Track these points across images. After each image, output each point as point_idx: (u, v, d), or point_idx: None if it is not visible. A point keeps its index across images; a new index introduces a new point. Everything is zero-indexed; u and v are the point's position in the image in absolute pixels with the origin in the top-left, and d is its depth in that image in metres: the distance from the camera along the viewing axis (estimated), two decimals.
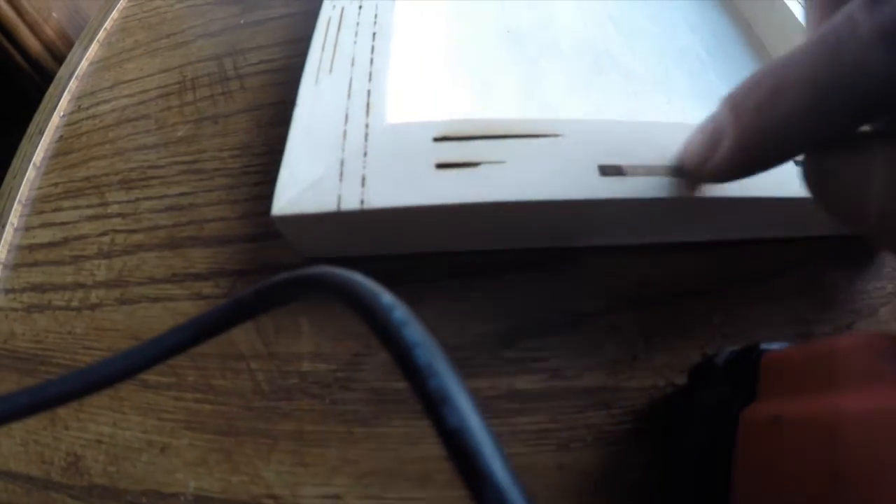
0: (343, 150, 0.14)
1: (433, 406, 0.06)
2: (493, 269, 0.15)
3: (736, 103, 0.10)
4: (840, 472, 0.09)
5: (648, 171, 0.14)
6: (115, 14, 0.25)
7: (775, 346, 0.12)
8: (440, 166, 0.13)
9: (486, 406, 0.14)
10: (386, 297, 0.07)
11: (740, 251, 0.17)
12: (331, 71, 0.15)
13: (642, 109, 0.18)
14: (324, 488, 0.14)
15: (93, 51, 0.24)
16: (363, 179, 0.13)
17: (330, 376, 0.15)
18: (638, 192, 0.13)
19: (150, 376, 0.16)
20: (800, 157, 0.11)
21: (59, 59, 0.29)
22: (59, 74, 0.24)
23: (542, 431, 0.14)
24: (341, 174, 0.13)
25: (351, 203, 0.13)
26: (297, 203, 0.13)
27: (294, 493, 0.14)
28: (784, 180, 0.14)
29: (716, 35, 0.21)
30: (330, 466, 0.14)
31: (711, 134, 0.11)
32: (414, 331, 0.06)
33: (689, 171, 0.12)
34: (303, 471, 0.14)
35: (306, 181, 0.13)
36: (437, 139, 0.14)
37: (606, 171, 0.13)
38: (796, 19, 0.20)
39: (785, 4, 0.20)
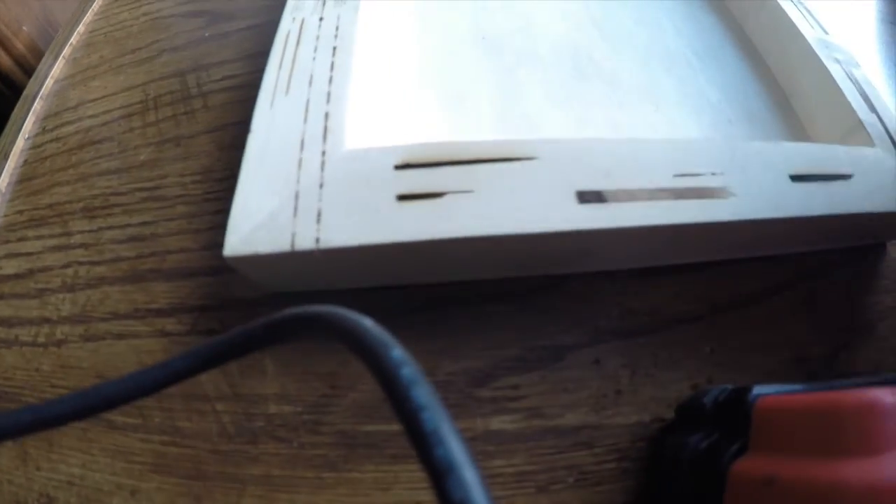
0: (298, 181, 0.12)
1: (438, 477, 0.06)
2: (465, 300, 0.14)
3: None
4: None
5: (631, 195, 0.12)
6: (81, 28, 0.24)
7: (769, 389, 0.11)
8: (402, 197, 0.12)
9: None
10: (396, 351, 0.06)
11: (730, 271, 0.15)
12: (287, 92, 0.14)
13: (628, 120, 0.16)
14: None
15: (58, 68, 0.23)
16: (318, 214, 0.12)
17: (297, 419, 0.14)
18: (620, 220, 0.12)
19: (116, 416, 0.15)
20: None
21: (29, 72, 0.28)
22: (24, 93, 0.22)
23: (521, 474, 0.13)
24: (296, 209, 0.12)
25: (305, 242, 0.11)
26: (248, 242, 0.12)
27: None
28: (781, 199, 0.13)
29: (704, 37, 0.19)
30: None
31: None
32: (422, 392, 0.06)
33: None
34: None
35: (258, 217, 0.12)
36: (398, 167, 0.12)
37: (585, 197, 0.12)
38: (789, 18, 0.18)
39: (777, 3, 0.18)
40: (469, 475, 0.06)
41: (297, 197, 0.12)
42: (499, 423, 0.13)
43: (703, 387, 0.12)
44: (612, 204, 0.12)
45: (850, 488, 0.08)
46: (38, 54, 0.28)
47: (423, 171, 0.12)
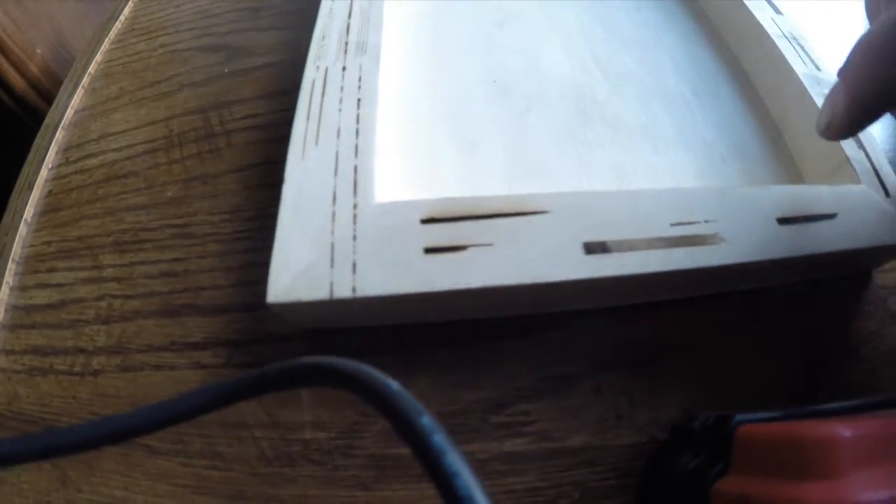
0: (332, 233, 0.14)
1: None
2: (482, 336, 0.16)
3: (843, 73, 0.14)
4: None
5: (632, 245, 0.14)
6: (98, 57, 0.25)
7: (750, 416, 0.13)
8: (429, 251, 0.14)
9: (477, 468, 0.15)
10: (426, 418, 0.07)
11: (721, 303, 0.17)
12: (317, 143, 0.16)
13: (628, 161, 0.19)
14: None
15: (78, 98, 0.24)
16: (354, 266, 0.14)
17: (331, 444, 0.16)
18: (622, 268, 0.14)
19: (156, 443, 0.17)
20: None
21: (45, 96, 0.29)
22: (45, 122, 0.24)
23: (532, 490, 0.15)
24: (332, 260, 0.14)
25: (343, 291, 0.13)
26: (291, 290, 0.14)
27: None
28: (768, 242, 0.15)
29: (702, 74, 0.21)
30: None
31: (830, 102, 0.14)
32: (454, 459, 0.07)
33: (821, 134, 0.15)
34: None
35: (298, 267, 0.14)
36: (424, 221, 0.14)
37: (591, 248, 0.14)
38: (782, 55, 0.20)
39: (773, 41, 0.20)
40: None
41: (332, 248, 0.14)
42: (511, 445, 0.15)
43: (694, 411, 0.15)
44: (614, 253, 0.14)
45: None
46: (52, 77, 0.30)
47: (447, 224, 0.14)
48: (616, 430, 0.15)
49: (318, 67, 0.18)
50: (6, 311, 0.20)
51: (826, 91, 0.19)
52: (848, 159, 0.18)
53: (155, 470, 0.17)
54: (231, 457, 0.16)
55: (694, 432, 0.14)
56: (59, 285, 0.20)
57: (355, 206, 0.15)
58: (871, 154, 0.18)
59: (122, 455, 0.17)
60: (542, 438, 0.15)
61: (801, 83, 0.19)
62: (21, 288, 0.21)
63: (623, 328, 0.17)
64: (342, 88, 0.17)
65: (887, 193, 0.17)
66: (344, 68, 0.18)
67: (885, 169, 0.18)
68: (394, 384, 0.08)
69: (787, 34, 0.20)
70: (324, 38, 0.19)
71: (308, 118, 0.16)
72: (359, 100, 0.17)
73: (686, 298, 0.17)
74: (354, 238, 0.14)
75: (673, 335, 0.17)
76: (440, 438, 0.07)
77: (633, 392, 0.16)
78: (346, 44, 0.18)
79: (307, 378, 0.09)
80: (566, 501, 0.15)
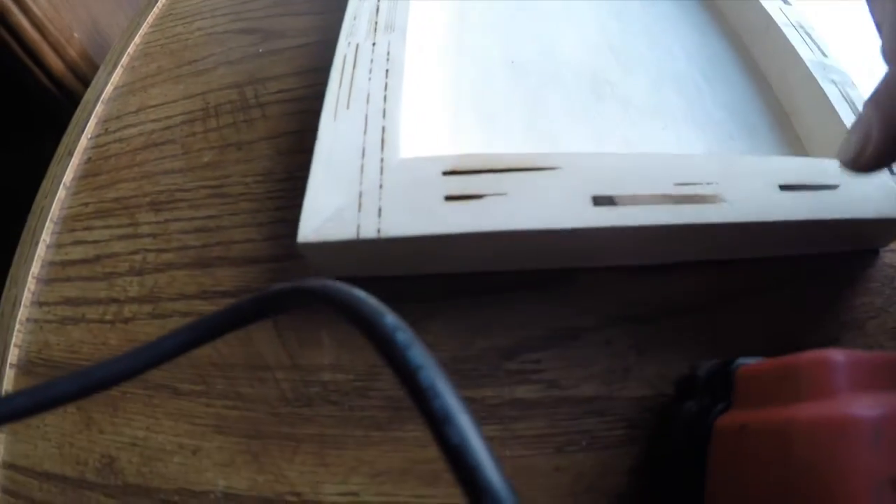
0: (361, 183, 0.16)
1: (437, 424, 0.06)
2: (497, 288, 0.18)
3: (878, 102, 0.13)
4: (790, 475, 0.11)
5: (637, 200, 0.16)
6: (137, 39, 0.28)
7: (752, 360, 0.14)
8: (449, 198, 0.16)
9: (489, 413, 0.16)
10: (389, 317, 0.07)
11: (730, 269, 0.19)
12: (348, 107, 0.18)
13: (638, 137, 0.20)
14: (342, 486, 0.16)
15: (117, 75, 0.27)
16: (379, 210, 0.16)
17: (349, 385, 0.17)
18: (627, 220, 0.16)
19: (181, 384, 0.19)
20: None
21: (82, 78, 0.32)
22: (85, 98, 0.27)
23: (541, 436, 0.16)
24: (360, 205, 0.16)
25: (369, 232, 0.15)
26: (320, 231, 0.16)
27: (315, 490, 0.16)
28: (769, 205, 0.17)
29: (712, 60, 0.23)
30: (348, 466, 0.16)
31: (862, 132, 0.14)
32: (417, 353, 0.07)
33: (846, 167, 0.15)
34: (323, 470, 0.16)
35: (328, 212, 0.16)
36: (445, 173, 0.16)
37: (599, 201, 0.16)
38: (790, 43, 0.22)
39: (780, 30, 0.22)
40: (465, 421, 0.06)
41: (360, 196, 0.16)
42: (522, 391, 0.17)
43: (698, 361, 0.16)
44: (620, 207, 0.16)
45: (798, 423, 0.11)
46: (89, 61, 0.33)
47: (467, 177, 0.16)
48: (623, 382, 0.17)
49: (349, 43, 0.20)
50: (42, 266, 0.22)
51: (834, 77, 0.21)
52: None
53: (177, 410, 0.18)
54: (252, 397, 0.18)
55: (698, 379, 0.15)
56: (95, 242, 0.22)
57: (382, 161, 0.17)
58: None
59: (147, 396, 0.19)
60: (551, 386, 0.17)
61: (807, 69, 0.21)
62: (58, 245, 0.23)
63: (635, 286, 0.18)
64: (372, 61, 0.19)
65: (892, 171, 0.19)
66: (374, 44, 0.20)
67: None
68: (361, 293, 0.08)
69: (794, 23, 0.22)
70: (355, 18, 0.21)
71: (340, 85, 0.19)
72: (387, 70, 0.19)
73: (694, 263, 0.19)
74: (381, 187, 0.16)
75: (681, 296, 0.18)
76: (405, 335, 0.07)
77: (642, 347, 0.17)
78: (376, 23, 0.21)
79: (284, 303, 0.09)
80: (574, 449, 0.16)
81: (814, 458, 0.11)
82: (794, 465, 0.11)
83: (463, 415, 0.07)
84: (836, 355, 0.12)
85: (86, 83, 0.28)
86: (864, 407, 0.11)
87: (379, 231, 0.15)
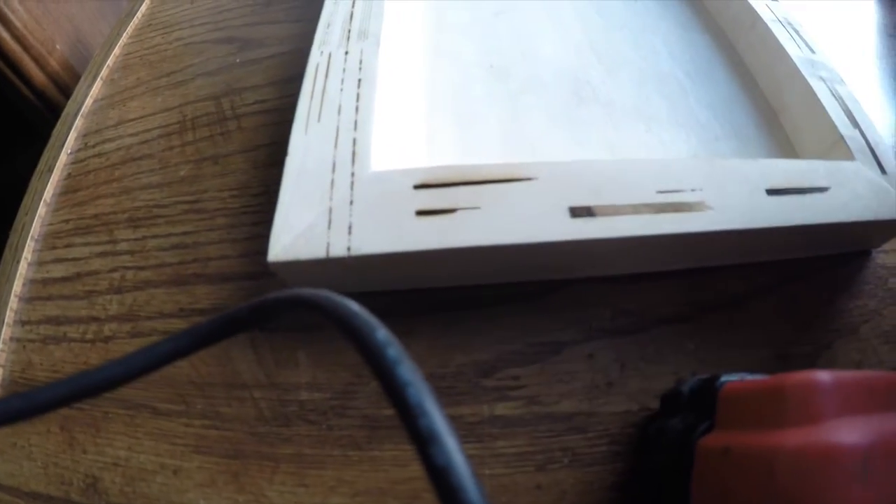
0: (331, 198, 0.16)
1: (423, 444, 0.06)
2: (475, 302, 0.17)
3: None
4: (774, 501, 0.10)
5: (617, 210, 0.15)
6: (117, 51, 0.28)
7: (736, 377, 0.14)
8: (420, 213, 0.15)
9: (468, 430, 0.16)
10: (381, 332, 0.07)
11: (716, 276, 0.18)
12: (319, 119, 0.18)
13: (621, 140, 0.20)
14: None
15: (97, 88, 0.27)
16: (350, 227, 0.15)
17: (325, 404, 0.17)
18: (606, 232, 0.15)
19: (161, 404, 0.18)
20: None
21: (64, 90, 0.32)
22: (65, 111, 0.27)
23: (522, 454, 0.16)
24: (329, 222, 0.15)
25: (339, 250, 0.15)
26: (289, 250, 0.15)
27: None
28: (756, 211, 0.16)
29: (696, 58, 0.23)
30: (327, 486, 0.16)
31: None
32: (406, 369, 0.07)
33: None
34: (303, 490, 0.16)
35: (298, 229, 0.15)
36: (416, 186, 0.16)
37: (577, 212, 0.15)
38: (776, 39, 0.21)
39: (767, 26, 0.21)
40: (450, 442, 0.06)
41: (330, 212, 0.16)
42: (502, 408, 0.16)
43: (683, 377, 0.15)
44: (599, 218, 0.15)
45: (784, 451, 0.10)
46: (71, 72, 0.33)
47: (438, 190, 0.15)
48: (606, 397, 0.16)
49: (322, 52, 0.20)
50: (24, 284, 0.22)
51: (822, 74, 0.20)
52: (843, 138, 0.19)
53: (157, 430, 0.18)
54: (230, 417, 0.17)
55: (682, 395, 0.15)
56: (75, 259, 0.22)
57: (353, 175, 0.16)
58: (866, 132, 0.19)
59: (128, 416, 0.19)
60: (531, 402, 0.16)
61: (795, 66, 0.20)
62: (39, 263, 0.23)
63: (618, 297, 0.18)
64: (344, 70, 0.19)
65: (883, 171, 0.18)
66: (346, 52, 0.20)
67: (882, 147, 0.18)
68: (355, 305, 0.08)
69: (781, 19, 0.22)
70: (328, 25, 0.21)
71: (311, 97, 0.18)
72: (359, 80, 0.19)
73: (682, 271, 0.18)
74: (351, 203, 0.16)
75: (668, 306, 0.18)
76: (395, 350, 0.07)
77: (625, 360, 0.17)
78: (349, 31, 0.20)
79: (281, 311, 0.09)
80: (556, 466, 0.16)
81: (798, 490, 0.10)
82: (778, 495, 0.10)
83: (450, 436, 0.07)
84: (823, 377, 0.11)
85: (67, 94, 0.28)
86: (852, 434, 0.10)
87: (349, 249, 0.15)
